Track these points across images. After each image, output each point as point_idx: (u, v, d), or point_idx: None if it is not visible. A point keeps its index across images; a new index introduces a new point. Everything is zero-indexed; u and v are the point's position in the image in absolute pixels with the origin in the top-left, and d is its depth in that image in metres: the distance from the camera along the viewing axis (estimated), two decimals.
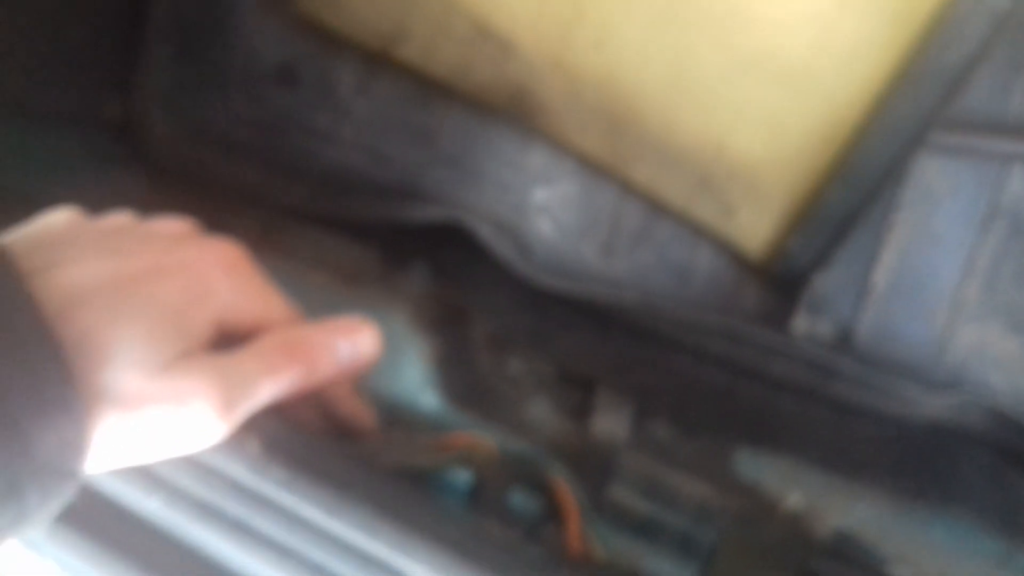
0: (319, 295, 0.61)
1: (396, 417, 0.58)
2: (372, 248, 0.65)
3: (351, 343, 0.36)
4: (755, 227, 0.54)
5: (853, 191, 0.48)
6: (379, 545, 0.31)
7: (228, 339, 0.34)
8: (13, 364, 0.28)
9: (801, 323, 0.53)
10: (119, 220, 0.35)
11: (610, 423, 0.60)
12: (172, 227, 0.36)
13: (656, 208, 0.58)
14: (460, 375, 0.62)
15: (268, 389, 0.33)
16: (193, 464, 0.33)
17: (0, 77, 0.55)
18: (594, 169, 0.59)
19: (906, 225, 0.53)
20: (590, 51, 0.53)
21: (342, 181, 0.63)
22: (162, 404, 0.31)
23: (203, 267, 0.33)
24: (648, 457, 0.58)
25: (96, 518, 0.35)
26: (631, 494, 0.54)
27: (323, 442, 0.34)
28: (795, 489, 0.58)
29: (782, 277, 0.54)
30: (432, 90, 0.61)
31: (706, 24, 0.48)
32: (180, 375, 0.31)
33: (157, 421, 0.31)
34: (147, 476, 0.34)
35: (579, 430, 0.60)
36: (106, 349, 0.30)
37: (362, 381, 0.54)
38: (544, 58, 0.54)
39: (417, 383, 0.60)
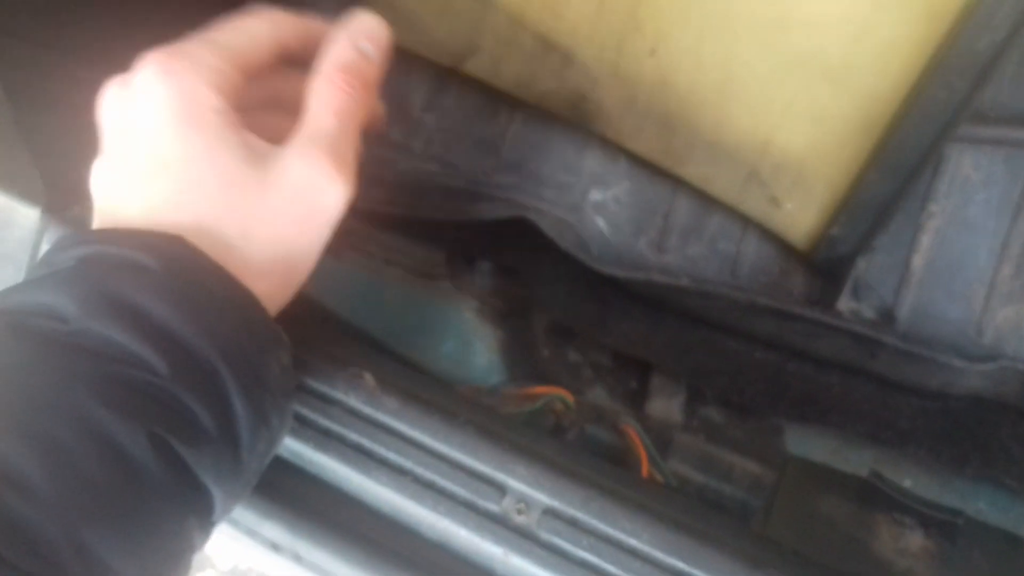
0: (395, 291, 0.65)
1: None
2: (440, 248, 0.70)
3: (373, 43, 0.39)
4: (800, 217, 0.58)
5: (891, 179, 0.53)
6: (482, 464, 0.35)
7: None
8: (237, 324, 0.33)
9: (845, 307, 0.57)
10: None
11: (665, 406, 0.64)
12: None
13: (706, 203, 0.62)
14: (524, 363, 0.66)
15: (352, 123, 0.37)
16: (316, 398, 0.38)
17: None
18: (646, 168, 0.63)
19: (942, 214, 0.57)
20: (645, 58, 0.58)
21: (414, 187, 0.68)
22: (305, 245, 0.37)
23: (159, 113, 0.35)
24: (703, 437, 0.62)
25: None
26: (686, 468, 0.58)
27: (426, 377, 0.39)
28: (844, 466, 0.61)
29: (826, 264, 0.58)
30: (496, 101, 0.66)
31: (753, 29, 0.53)
32: (294, 224, 0.36)
33: (313, 249, 0.37)
34: None
35: (636, 413, 0.64)
36: (254, 272, 0.35)
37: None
38: (602, 66, 0.59)
39: (485, 371, 0.64)
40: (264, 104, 0.41)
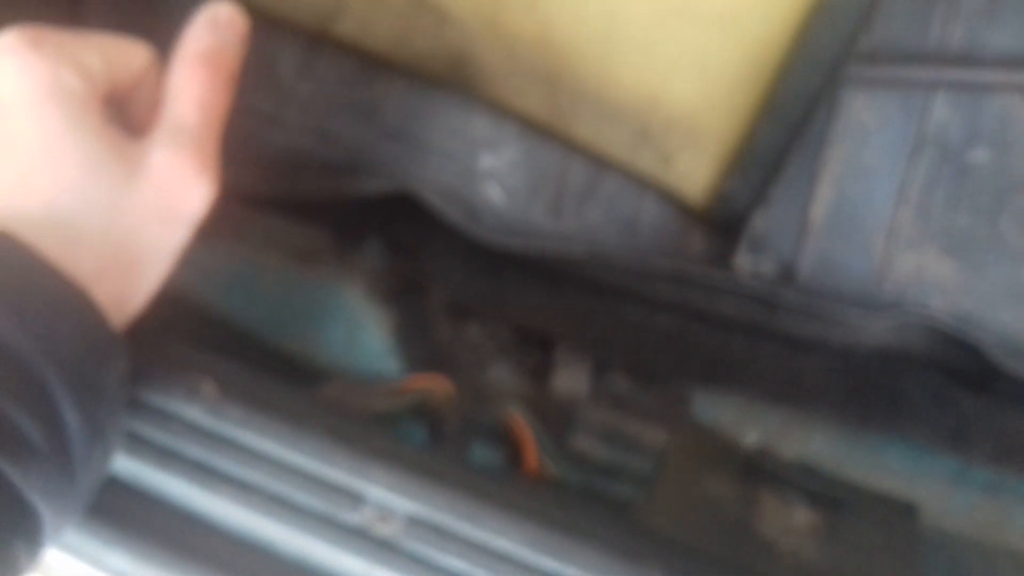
0: (274, 276, 0.61)
1: None
2: (324, 227, 0.65)
3: (231, 31, 0.37)
4: (694, 173, 0.55)
5: (781, 127, 0.50)
6: (337, 471, 0.32)
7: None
8: (71, 330, 0.31)
9: (744, 262, 0.55)
10: None
11: (570, 379, 0.61)
12: None
13: (600, 164, 0.59)
14: (420, 344, 0.63)
15: (215, 115, 0.36)
16: (151, 412, 0.34)
17: None
18: (537, 131, 0.60)
19: (838, 160, 0.55)
20: (523, 12, 0.54)
21: (291, 162, 0.64)
22: (162, 247, 0.35)
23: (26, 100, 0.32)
24: (609, 408, 0.60)
25: None
26: (592, 442, 0.55)
27: (277, 382, 0.35)
28: (753, 427, 0.59)
29: (723, 220, 0.55)
30: (373, 65, 0.62)
31: None
32: (138, 221, 0.34)
33: (169, 251, 0.35)
34: None
35: (540, 389, 0.62)
36: (97, 273, 0.32)
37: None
38: (479, 23, 0.56)
39: (377, 354, 0.61)
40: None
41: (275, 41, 0.62)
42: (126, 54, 0.36)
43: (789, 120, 0.49)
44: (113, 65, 0.35)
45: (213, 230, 0.59)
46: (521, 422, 0.43)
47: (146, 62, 0.36)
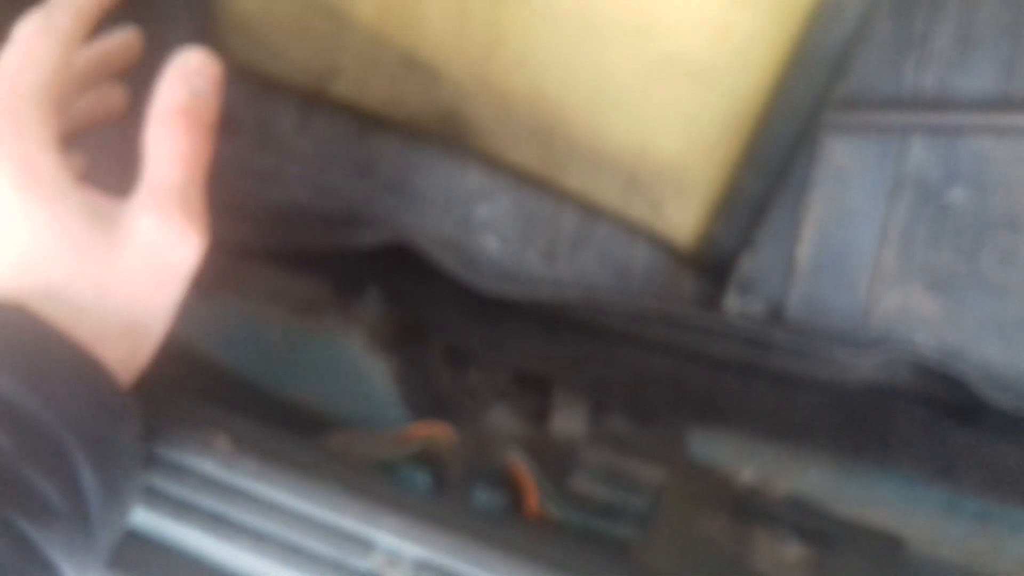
0: (277, 328, 0.63)
1: None
2: (325, 279, 0.67)
3: (205, 80, 0.37)
4: (683, 219, 0.57)
5: (764, 174, 0.52)
6: (347, 520, 0.33)
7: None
8: (85, 395, 0.32)
9: (733, 304, 0.57)
10: None
11: (568, 421, 0.62)
12: None
13: (591, 212, 0.61)
14: (421, 391, 0.64)
15: (197, 169, 0.36)
16: (167, 466, 0.35)
17: None
18: (530, 181, 0.62)
19: (821, 203, 0.57)
20: (513, 70, 0.56)
21: (291, 216, 0.65)
22: (160, 304, 0.36)
23: None
24: (607, 449, 0.61)
25: None
26: (591, 482, 0.57)
27: (288, 434, 0.37)
28: (748, 463, 0.61)
29: (712, 263, 0.57)
30: (368, 122, 0.64)
31: (618, 35, 0.52)
32: (135, 273, 0.35)
33: (166, 307, 0.36)
34: None
35: (539, 431, 0.63)
36: (101, 338, 0.34)
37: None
38: (471, 81, 0.58)
39: (380, 402, 0.62)
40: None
41: (272, 101, 0.65)
42: (48, 66, 0.35)
43: (771, 167, 0.51)
44: (51, 87, 0.35)
45: (217, 285, 0.61)
46: (521, 466, 0.44)
47: (66, 54, 0.36)
